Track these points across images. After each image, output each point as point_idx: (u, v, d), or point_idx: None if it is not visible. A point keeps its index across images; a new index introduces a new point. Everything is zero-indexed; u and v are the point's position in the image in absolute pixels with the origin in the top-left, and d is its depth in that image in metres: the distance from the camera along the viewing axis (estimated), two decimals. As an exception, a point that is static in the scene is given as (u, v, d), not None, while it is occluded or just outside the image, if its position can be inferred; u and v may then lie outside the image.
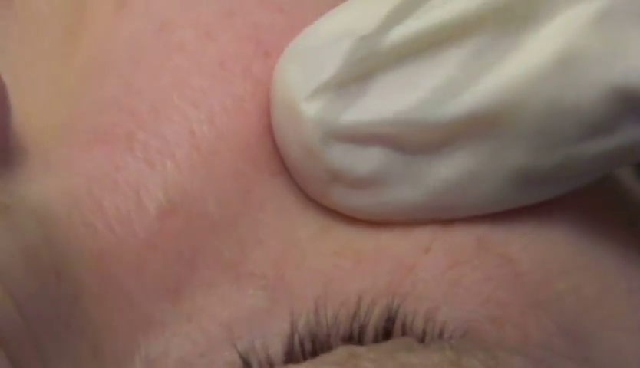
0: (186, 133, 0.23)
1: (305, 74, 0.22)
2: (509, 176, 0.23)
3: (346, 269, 0.23)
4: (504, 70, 0.22)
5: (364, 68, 0.22)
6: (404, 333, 0.22)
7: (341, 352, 0.21)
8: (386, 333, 0.22)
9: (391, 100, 0.22)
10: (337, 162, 0.23)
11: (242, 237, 0.23)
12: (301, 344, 0.22)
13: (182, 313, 0.22)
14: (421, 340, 0.22)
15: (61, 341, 0.21)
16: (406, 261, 0.23)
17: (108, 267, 0.22)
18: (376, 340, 0.22)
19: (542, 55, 0.22)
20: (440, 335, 0.22)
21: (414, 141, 0.22)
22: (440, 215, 0.23)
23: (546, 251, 0.24)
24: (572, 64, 0.21)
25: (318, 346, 0.22)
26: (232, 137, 0.23)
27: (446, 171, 0.23)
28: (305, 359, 0.22)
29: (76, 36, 0.24)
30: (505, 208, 0.23)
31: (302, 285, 0.22)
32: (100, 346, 0.22)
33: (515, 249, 0.23)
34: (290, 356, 0.22)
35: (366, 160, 0.23)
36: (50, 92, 0.24)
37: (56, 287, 0.21)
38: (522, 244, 0.24)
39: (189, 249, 0.22)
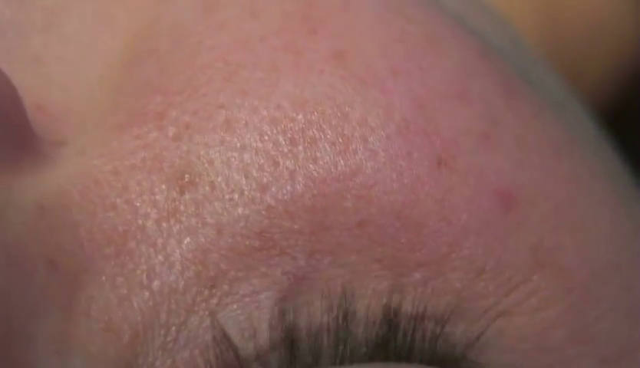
0: (216, 107, 0.23)
1: None
2: None
3: None
4: None
5: None
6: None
7: None
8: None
9: None
10: None
11: None
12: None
13: (207, 281, 0.22)
14: None
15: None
16: None
17: (125, 244, 0.22)
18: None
19: None
20: None
21: None
22: None
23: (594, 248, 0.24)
24: None
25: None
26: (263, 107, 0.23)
27: None
28: None
29: (113, 25, 0.24)
30: None
31: None
32: (110, 321, 0.22)
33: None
34: None
35: None
36: (92, 82, 0.24)
37: (46, 276, 0.21)
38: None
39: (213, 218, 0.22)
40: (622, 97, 0.39)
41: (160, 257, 0.22)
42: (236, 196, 0.22)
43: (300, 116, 0.23)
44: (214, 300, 0.22)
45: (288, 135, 0.23)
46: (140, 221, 0.22)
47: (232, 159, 0.22)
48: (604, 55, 0.39)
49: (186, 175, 0.22)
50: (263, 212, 0.22)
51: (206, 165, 0.22)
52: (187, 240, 0.22)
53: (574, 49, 0.38)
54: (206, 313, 0.22)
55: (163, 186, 0.22)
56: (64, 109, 0.23)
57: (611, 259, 0.24)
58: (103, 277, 0.22)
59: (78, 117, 0.23)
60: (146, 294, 0.22)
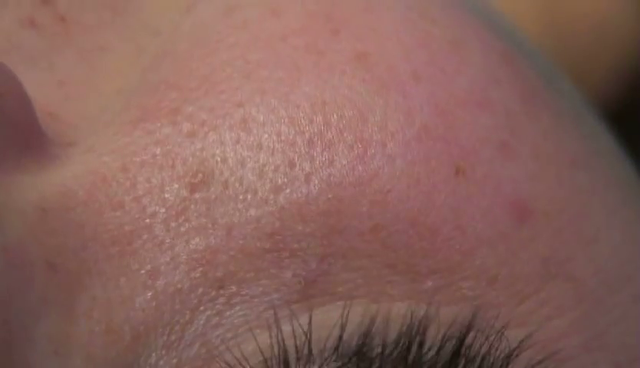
0: (234, 105, 0.23)
1: None
2: None
3: None
4: None
5: None
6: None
7: None
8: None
9: None
10: None
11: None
12: None
13: (214, 282, 0.22)
14: None
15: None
16: None
17: (130, 244, 0.22)
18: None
19: None
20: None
21: None
22: None
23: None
24: None
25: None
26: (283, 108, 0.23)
27: None
28: None
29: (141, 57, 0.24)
30: None
31: None
32: (111, 322, 0.21)
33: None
34: None
35: None
36: (110, 94, 0.24)
37: (46, 278, 0.21)
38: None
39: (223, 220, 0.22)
40: (624, 98, 0.39)
41: (166, 258, 0.22)
42: (249, 197, 0.22)
43: (319, 118, 0.22)
44: (221, 300, 0.22)
45: (306, 136, 0.22)
46: (147, 221, 0.22)
47: (248, 159, 0.22)
48: (606, 57, 0.39)
49: (199, 174, 0.22)
50: (276, 214, 0.22)
51: (220, 163, 0.22)
52: (196, 240, 0.22)
53: (576, 51, 0.38)
54: (214, 312, 0.22)
55: (174, 184, 0.22)
56: (79, 116, 0.23)
57: (622, 268, 0.24)
58: (106, 278, 0.21)
59: (91, 121, 0.23)
60: (149, 294, 0.21)
